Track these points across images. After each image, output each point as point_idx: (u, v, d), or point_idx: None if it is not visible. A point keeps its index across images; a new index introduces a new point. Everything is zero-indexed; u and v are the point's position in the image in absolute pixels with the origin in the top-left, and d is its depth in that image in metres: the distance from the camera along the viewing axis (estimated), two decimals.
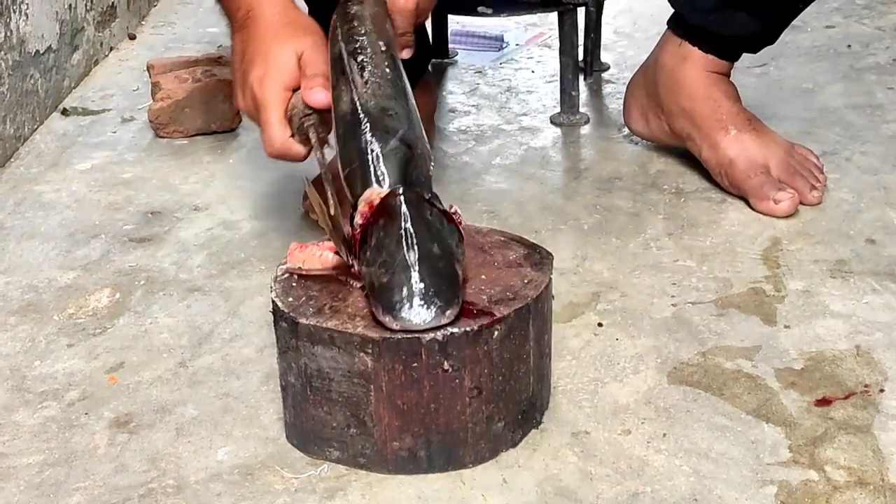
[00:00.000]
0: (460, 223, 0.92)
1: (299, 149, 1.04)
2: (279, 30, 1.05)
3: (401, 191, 0.90)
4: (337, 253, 0.94)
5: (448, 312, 0.85)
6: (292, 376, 0.92)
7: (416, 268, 0.86)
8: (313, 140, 1.03)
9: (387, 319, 0.85)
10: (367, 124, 0.95)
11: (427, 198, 0.91)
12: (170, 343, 1.11)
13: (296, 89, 1.04)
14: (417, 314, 0.85)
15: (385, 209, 0.89)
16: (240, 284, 1.21)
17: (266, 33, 1.05)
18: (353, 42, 1.02)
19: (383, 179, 0.92)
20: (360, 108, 0.96)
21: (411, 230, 0.88)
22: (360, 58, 1.00)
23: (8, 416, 1.00)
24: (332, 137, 1.01)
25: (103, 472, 0.93)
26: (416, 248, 0.87)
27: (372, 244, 0.89)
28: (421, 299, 0.85)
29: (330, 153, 1.02)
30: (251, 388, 1.03)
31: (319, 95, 1.02)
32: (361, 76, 0.99)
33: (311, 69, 1.03)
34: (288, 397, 0.94)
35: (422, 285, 0.85)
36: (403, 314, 0.85)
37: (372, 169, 0.93)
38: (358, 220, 0.91)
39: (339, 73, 1.01)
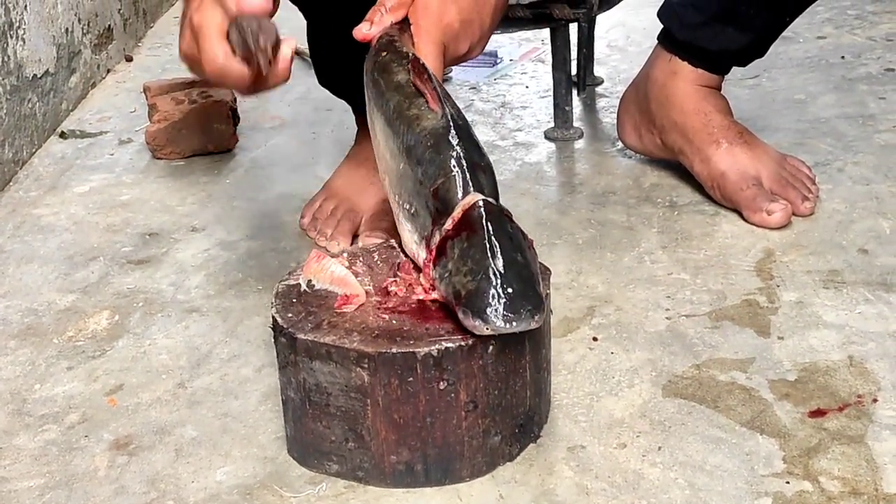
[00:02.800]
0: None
1: (240, 67, 0.94)
2: None
3: (481, 202, 0.91)
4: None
5: (536, 317, 0.86)
6: (292, 391, 0.93)
7: (505, 275, 0.87)
8: (262, 44, 0.92)
9: (477, 324, 0.86)
10: (457, 138, 0.94)
11: (504, 209, 0.93)
12: (168, 364, 1.12)
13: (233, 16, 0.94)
14: (508, 318, 0.86)
15: (468, 220, 0.90)
16: (237, 304, 1.22)
17: None
18: (421, 67, 1.00)
19: (478, 190, 0.92)
20: (451, 121, 0.95)
21: (495, 240, 0.89)
22: (433, 79, 0.99)
23: (8, 440, 1.01)
24: (299, 46, 0.96)
25: (103, 494, 0.93)
26: (501, 256, 0.88)
27: (455, 255, 0.90)
28: (511, 304, 0.86)
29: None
30: (249, 408, 1.04)
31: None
32: (444, 92, 0.98)
33: None
34: (288, 411, 0.95)
35: (511, 291, 0.86)
36: (494, 319, 0.85)
37: (465, 179, 0.93)
38: (448, 225, 0.92)
39: (412, 96, 0.99)
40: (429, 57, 1.02)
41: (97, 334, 1.18)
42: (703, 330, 1.12)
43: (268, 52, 0.93)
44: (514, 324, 0.86)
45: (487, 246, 0.89)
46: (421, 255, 0.95)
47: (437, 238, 0.92)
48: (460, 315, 0.87)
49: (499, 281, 0.87)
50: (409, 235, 0.97)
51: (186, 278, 1.29)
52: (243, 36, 0.93)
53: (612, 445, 0.95)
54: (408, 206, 0.97)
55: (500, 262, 0.88)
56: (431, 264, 0.92)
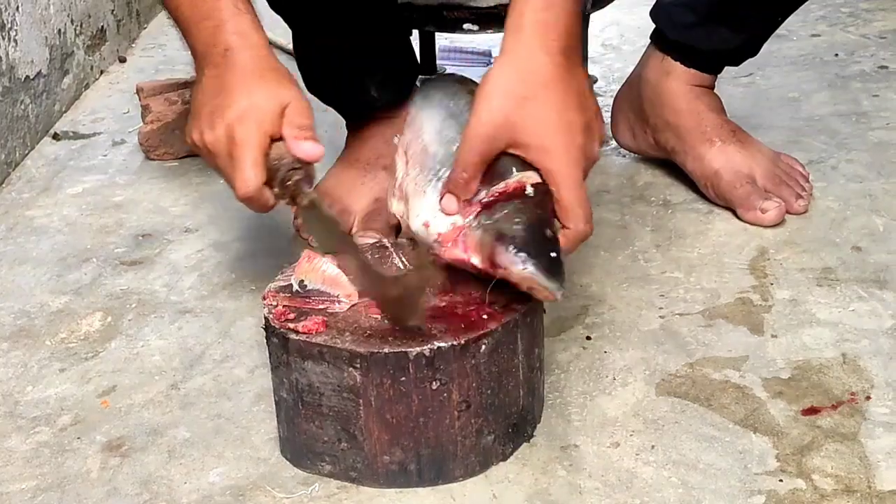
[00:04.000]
0: None
1: (270, 198, 1.00)
2: (264, 73, 1.01)
3: (541, 180, 0.93)
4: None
5: (561, 293, 0.89)
6: (284, 391, 0.93)
7: (552, 241, 0.91)
8: (306, 192, 0.98)
9: (517, 259, 0.88)
10: None
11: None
12: (161, 365, 1.11)
13: (274, 139, 0.99)
14: (544, 269, 0.88)
15: (524, 192, 0.92)
16: (230, 305, 1.22)
17: (249, 74, 1.01)
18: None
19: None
20: None
21: (550, 215, 0.93)
22: None
23: (1, 443, 1.01)
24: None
25: (96, 496, 0.93)
26: (551, 229, 0.92)
27: (505, 212, 0.92)
28: (551, 263, 0.89)
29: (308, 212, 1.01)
30: (243, 409, 1.03)
31: (311, 148, 0.98)
32: None
33: (299, 120, 0.99)
34: (281, 412, 0.95)
35: (553, 255, 0.89)
36: (535, 262, 0.88)
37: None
38: (502, 187, 0.93)
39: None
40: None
41: (90, 336, 1.18)
42: (696, 328, 1.12)
43: (310, 195, 0.99)
44: (547, 277, 0.88)
45: (542, 215, 0.91)
46: (450, 208, 0.95)
47: (483, 195, 0.93)
48: (500, 250, 0.89)
49: (547, 242, 0.90)
50: (430, 203, 0.97)
51: (179, 279, 1.29)
52: (293, 185, 0.98)
53: (605, 444, 0.95)
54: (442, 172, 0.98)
55: (549, 232, 0.91)
56: (473, 215, 0.93)
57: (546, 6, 0.94)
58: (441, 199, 0.96)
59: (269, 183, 0.99)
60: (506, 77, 0.94)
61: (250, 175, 0.98)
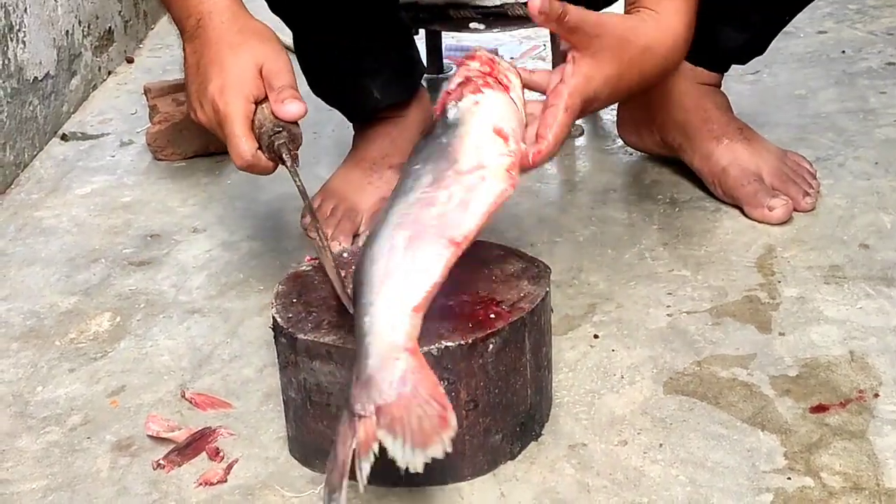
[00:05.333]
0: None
1: (267, 162, 1.02)
2: (235, 38, 1.02)
3: None
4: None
5: None
6: (293, 391, 0.93)
7: None
8: (285, 157, 1.00)
9: None
10: None
11: None
12: (170, 365, 1.12)
13: (258, 101, 1.01)
14: None
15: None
16: (239, 305, 1.22)
17: (220, 42, 1.02)
18: None
19: None
20: None
21: None
22: None
23: (11, 443, 1.01)
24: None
25: (106, 495, 0.93)
26: None
27: None
28: None
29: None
30: (251, 409, 1.04)
31: (292, 108, 0.99)
32: None
33: (277, 80, 1.00)
34: (289, 412, 0.95)
35: None
36: None
37: None
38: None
39: None
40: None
41: (99, 336, 1.18)
42: (704, 326, 1.12)
43: (296, 159, 1.00)
44: None
45: None
46: None
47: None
48: None
49: None
50: None
51: (188, 279, 1.29)
52: (277, 148, 1.00)
53: (613, 443, 0.95)
54: None
55: None
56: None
57: None
58: None
59: (260, 147, 1.01)
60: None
61: (242, 147, 1.00)
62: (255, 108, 1.01)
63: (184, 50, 1.07)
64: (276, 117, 1.00)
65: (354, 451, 0.79)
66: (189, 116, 1.60)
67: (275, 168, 1.03)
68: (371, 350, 0.81)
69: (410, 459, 0.79)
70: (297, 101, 1.00)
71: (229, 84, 1.00)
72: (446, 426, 0.79)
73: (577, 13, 0.94)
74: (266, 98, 1.01)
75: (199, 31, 1.03)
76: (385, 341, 0.82)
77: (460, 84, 0.95)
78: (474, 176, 0.89)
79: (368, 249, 0.87)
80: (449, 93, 0.95)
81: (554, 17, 0.93)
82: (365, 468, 0.78)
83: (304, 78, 1.38)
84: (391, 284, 0.84)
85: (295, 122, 1.01)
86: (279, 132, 1.00)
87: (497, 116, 0.94)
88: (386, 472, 0.90)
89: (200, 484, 0.94)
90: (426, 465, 0.89)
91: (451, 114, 0.93)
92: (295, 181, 1.00)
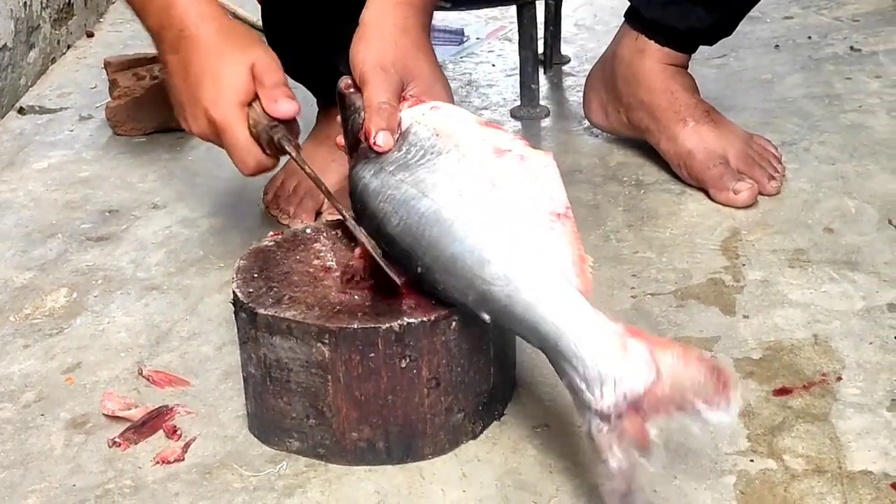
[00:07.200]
0: None
1: (271, 162, 1.02)
2: (222, 46, 1.01)
3: None
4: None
5: None
6: (252, 367, 0.92)
7: None
8: (289, 148, 0.99)
9: None
10: None
11: None
12: (127, 342, 1.10)
13: (251, 102, 1.00)
14: None
15: None
16: (198, 282, 1.20)
17: (209, 52, 1.00)
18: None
19: None
20: None
21: None
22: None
23: None
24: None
25: (59, 473, 0.92)
26: None
27: None
28: None
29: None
30: (210, 387, 1.02)
31: (286, 106, 0.99)
32: None
33: (268, 79, 1.00)
34: (249, 388, 0.94)
35: None
36: None
37: None
38: None
39: None
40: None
41: (55, 312, 1.16)
42: (668, 308, 1.11)
43: (298, 149, 1.00)
44: None
45: None
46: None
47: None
48: None
49: None
50: None
51: (147, 255, 1.27)
52: (278, 142, 0.99)
53: (576, 424, 0.94)
54: None
55: None
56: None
57: None
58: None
59: (259, 145, 1.01)
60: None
61: (244, 156, 1.00)
62: (249, 111, 1.00)
63: (164, 62, 1.05)
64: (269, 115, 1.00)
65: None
66: (149, 91, 1.59)
67: (277, 163, 1.03)
68: (585, 347, 0.78)
69: (715, 419, 0.76)
70: (291, 100, 1.00)
71: (224, 93, 0.99)
72: (728, 380, 0.76)
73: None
74: (256, 97, 1.00)
75: (185, 42, 1.01)
76: (597, 333, 0.79)
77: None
78: (512, 156, 0.88)
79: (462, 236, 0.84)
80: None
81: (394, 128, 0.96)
82: (658, 453, 0.76)
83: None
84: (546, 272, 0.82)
85: (292, 119, 1.01)
86: (275, 126, 0.99)
87: (466, 113, 0.96)
88: (348, 450, 0.89)
89: (157, 462, 0.92)
90: (386, 444, 0.88)
91: (420, 122, 0.94)
92: (305, 170, 0.98)
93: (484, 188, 0.86)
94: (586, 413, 0.79)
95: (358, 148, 0.98)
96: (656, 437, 0.76)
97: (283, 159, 1.04)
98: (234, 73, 0.99)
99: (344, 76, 1.02)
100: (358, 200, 0.94)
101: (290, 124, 1.01)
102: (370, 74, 0.98)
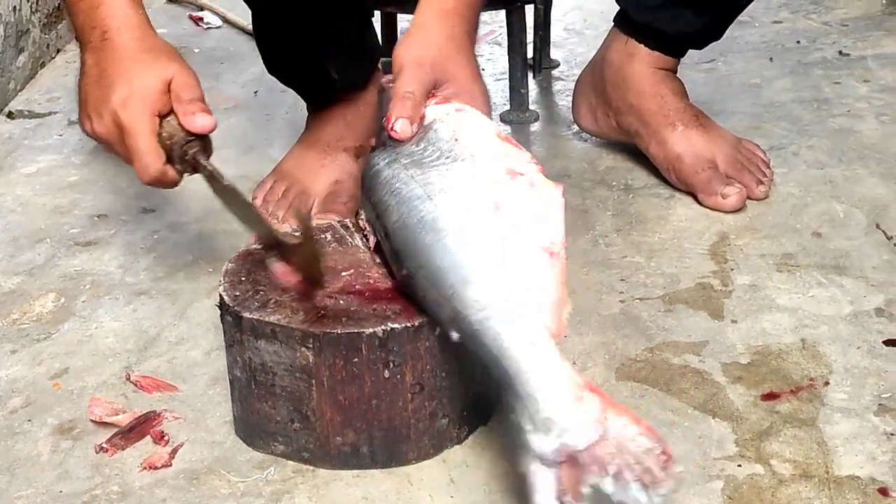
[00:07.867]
0: None
1: (175, 176, 1.02)
2: (142, 55, 1.01)
3: None
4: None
5: None
6: (238, 370, 0.92)
7: None
8: (204, 163, 1.00)
9: None
10: None
11: None
12: (115, 347, 1.10)
13: (163, 116, 1.00)
14: None
15: None
16: (187, 287, 1.20)
17: (128, 57, 1.00)
18: None
19: None
20: None
21: None
22: None
23: None
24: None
25: (46, 479, 0.91)
26: None
27: None
28: None
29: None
30: (198, 392, 1.02)
31: (202, 120, 1.00)
32: None
33: (186, 94, 1.00)
34: (235, 391, 0.94)
35: None
36: None
37: None
38: None
39: None
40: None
41: (42, 317, 1.16)
42: (656, 313, 1.11)
43: (207, 168, 1.00)
44: None
45: None
46: None
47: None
48: None
49: None
50: None
51: (135, 260, 1.27)
52: (192, 157, 1.00)
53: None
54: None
55: None
56: None
57: None
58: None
59: (169, 160, 1.00)
60: None
61: (147, 161, 0.99)
62: (161, 122, 1.00)
63: (82, 60, 1.05)
64: (186, 130, 1.00)
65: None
66: None
67: (179, 182, 1.03)
68: (540, 389, 0.78)
69: (641, 499, 0.76)
70: (207, 114, 1.00)
71: (135, 98, 0.99)
72: (669, 460, 0.76)
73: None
74: (171, 112, 1.00)
75: (105, 43, 1.02)
76: (555, 378, 0.79)
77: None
78: (523, 181, 0.88)
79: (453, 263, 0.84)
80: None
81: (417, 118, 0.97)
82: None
83: (261, 58, 1.37)
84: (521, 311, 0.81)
85: (207, 135, 1.01)
86: (192, 141, 1.00)
87: (489, 123, 0.97)
88: (332, 454, 0.89)
89: (144, 468, 0.92)
90: (370, 448, 0.88)
91: (443, 121, 0.94)
92: (222, 183, 1.00)
93: (487, 208, 0.86)
94: (526, 453, 0.78)
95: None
96: (588, 492, 0.76)
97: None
98: (149, 82, 0.99)
99: (387, 75, 1.04)
100: (368, 185, 0.95)
101: (205, 141, 1.01)
102: (405, 68, 0.99)
